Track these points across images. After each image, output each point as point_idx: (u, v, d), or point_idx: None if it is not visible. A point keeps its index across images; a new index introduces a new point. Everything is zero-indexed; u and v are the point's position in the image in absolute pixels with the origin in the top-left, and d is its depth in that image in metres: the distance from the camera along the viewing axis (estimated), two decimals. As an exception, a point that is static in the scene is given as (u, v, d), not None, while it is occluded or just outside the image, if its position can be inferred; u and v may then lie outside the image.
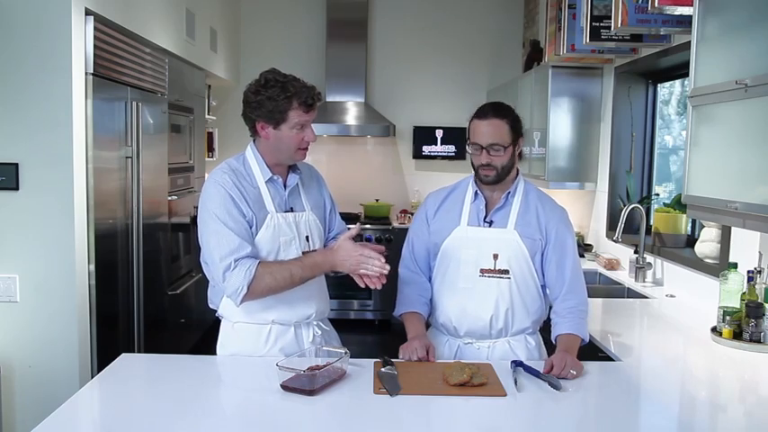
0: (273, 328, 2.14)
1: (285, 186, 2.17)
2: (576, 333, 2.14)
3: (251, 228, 2.07)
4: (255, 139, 2.15)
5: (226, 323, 2.19)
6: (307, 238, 2.17)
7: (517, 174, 2.25)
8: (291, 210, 2.16)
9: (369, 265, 2.03)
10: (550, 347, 2.26)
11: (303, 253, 2.12)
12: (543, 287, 2.24)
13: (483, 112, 2.16)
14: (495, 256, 2.18)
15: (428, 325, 2.32)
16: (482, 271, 2.18)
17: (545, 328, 2.30)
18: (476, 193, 2.24)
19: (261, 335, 2.14)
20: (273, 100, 2.02)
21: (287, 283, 2.03)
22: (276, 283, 2.02)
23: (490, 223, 2.22)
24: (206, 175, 4.88)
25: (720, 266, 2.85)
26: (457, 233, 2.22)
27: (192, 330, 4.45)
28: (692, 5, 2.43)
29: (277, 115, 2.04)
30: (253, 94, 2.06)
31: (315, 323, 2.21)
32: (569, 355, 2.04)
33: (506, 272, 2.18)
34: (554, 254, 2.20)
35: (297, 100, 2.03)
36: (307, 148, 2.13)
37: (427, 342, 2.13)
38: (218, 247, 2.01)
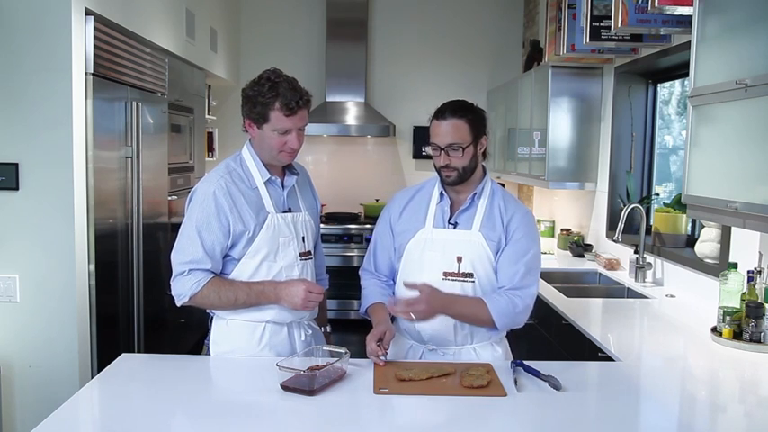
0: (268, 326, 2.15)
1: (283, 187, 2.18)
2: (486, 301, 2.06)
3: (245, 233, 2.07)
4: (251, 138, 2.15)
5: (219, 321, 2.19)
6: (303, 238, 2.18)
7: (484, 174, 2.18)
8: (289, 210, 2.17)
9: (311, 302, 2.09)
10: (517, 354, 2.23)
11: (300, 254, 2.16)
12: None
13: (441, 112, 2.09)
14: (459, 259, 2.10)
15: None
16: (445, 274, 2.11)
17: (511, 333, 2.25)
18: (441, 193, 2.17)
19: (255, 333, 2.15)
20: (260, 97, 2.02)
21: (230, 304, 2.09)
22: (220, 302, 2.09)
23: (455, 225, 2.14)
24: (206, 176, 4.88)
25: (720, 266, 2.85)
26: (421, 235, 2.15)
27: (191, 330, 4.44)
28: (691, 5, 2.43)
29: (260, 114, 2.04)
30: (246, 90, 2.07)
31: (306, 323, 2.23)
32: (428, 298, 1.97)
33: (470, 275, 2.10)
34: (509, 254, 2.10)
35: (279, 102, 2.01)
36: (292, 152, 2.10)
37: (382, 329, 2.04)
38: (182, 251, 2.08)
